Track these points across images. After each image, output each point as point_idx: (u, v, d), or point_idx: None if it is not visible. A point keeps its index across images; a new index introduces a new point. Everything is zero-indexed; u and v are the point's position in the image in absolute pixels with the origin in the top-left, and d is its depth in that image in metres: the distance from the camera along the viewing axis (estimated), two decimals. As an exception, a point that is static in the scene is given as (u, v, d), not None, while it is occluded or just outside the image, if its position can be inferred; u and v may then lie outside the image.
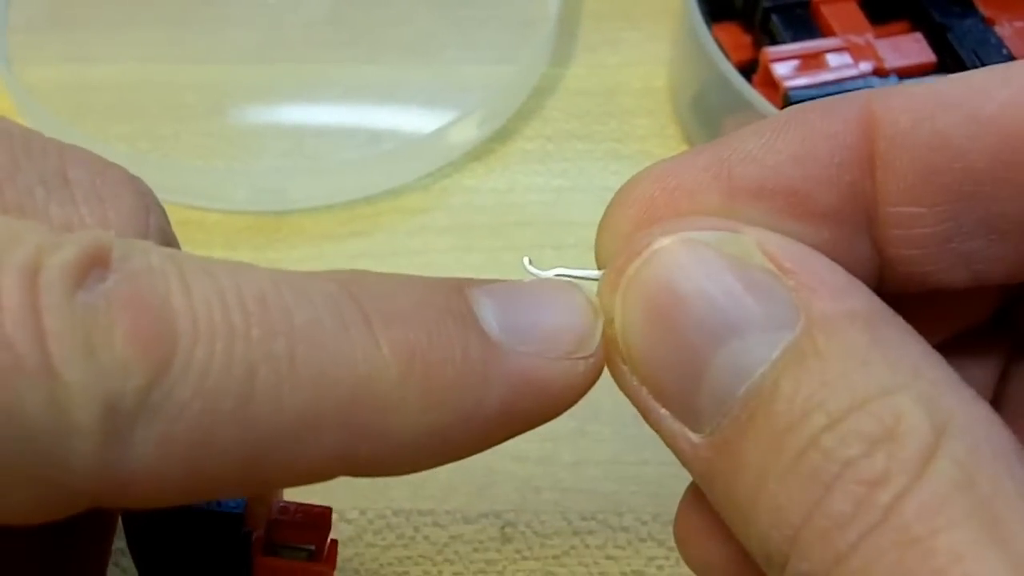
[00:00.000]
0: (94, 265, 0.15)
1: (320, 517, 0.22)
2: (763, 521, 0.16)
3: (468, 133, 0.41)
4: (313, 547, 0.22)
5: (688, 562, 0.20)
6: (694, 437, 0.17)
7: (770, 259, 0.17)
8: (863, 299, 0.17)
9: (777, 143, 0.18)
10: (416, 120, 0.42)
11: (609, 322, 0.18)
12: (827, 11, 0.38)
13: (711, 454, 0.17)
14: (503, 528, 0.32)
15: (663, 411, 0.18)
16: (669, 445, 0.18)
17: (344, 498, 0.32)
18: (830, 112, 0.18)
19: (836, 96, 0.19)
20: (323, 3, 0.45)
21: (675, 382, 0.17)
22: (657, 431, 0.18)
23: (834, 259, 0.18)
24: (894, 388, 0.16)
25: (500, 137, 0.42)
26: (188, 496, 0.16)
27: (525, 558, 0.31)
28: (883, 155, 0.18)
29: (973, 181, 0.17)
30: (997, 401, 0.21)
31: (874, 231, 0.18)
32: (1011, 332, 0.21)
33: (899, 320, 0.17)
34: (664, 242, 0.18)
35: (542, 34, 0.43)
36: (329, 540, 0.22)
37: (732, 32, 0.40)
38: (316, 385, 0.15)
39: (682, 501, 0.20)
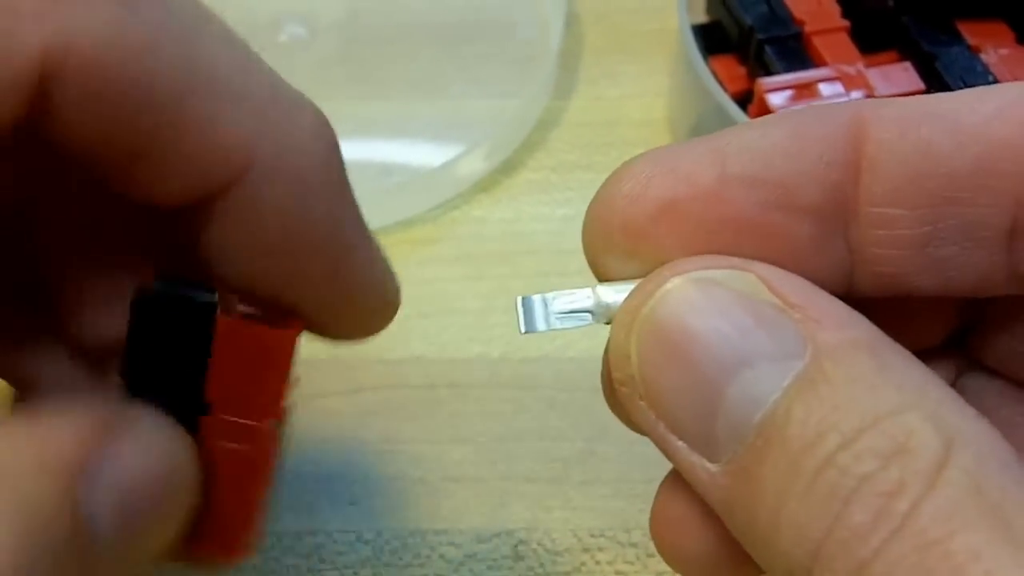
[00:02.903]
0: None
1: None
2: (785, 540, 0.16)
3: (475, 165, 0.41)
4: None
5: (664, 555, 0.20)
6: (712, 467, 0.18)
7: (776, 294, 0.18)
8: (865, 329, 0.18)
9: (772, 138, 0.19)
10: (425, 154, 0.43)
11: (625, 360, 0.19)
12: (819, 42, 0.39)
13: (729, 481, 0.17)
14: (516, 546, 0.32)
15: (680, 444, 0.18)
16: (687, 476, 0.18)
17: (361, 519, 0.33)
18: (823, 115, 0.19)
19: (830, 103, 0.19)
20: (333, 43, 0.46)
21: (691, 415, 0.18)
22: (675, 463, 0.19)
23: (811, 255, 0.19)
24: (902, 408, 0.16)
25: (506, 169, 0.42)
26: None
27: (538, 575, 0.32)
28: (870, 158, 0.18)
29: (955, 187, 0.18)
30: None
31: (853, 232, 0.19)
32: (960, 354, 0.22)
33: (898, 347, 0.18)
34: (676, 282, 0.18)
35: (544, 69, 0.43)
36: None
37: (728, 64, 0.41)
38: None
39: (656, 498, 0.20)
